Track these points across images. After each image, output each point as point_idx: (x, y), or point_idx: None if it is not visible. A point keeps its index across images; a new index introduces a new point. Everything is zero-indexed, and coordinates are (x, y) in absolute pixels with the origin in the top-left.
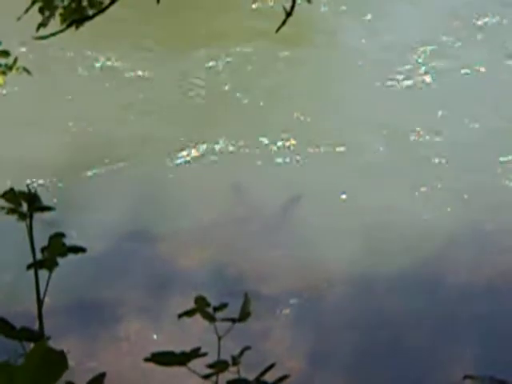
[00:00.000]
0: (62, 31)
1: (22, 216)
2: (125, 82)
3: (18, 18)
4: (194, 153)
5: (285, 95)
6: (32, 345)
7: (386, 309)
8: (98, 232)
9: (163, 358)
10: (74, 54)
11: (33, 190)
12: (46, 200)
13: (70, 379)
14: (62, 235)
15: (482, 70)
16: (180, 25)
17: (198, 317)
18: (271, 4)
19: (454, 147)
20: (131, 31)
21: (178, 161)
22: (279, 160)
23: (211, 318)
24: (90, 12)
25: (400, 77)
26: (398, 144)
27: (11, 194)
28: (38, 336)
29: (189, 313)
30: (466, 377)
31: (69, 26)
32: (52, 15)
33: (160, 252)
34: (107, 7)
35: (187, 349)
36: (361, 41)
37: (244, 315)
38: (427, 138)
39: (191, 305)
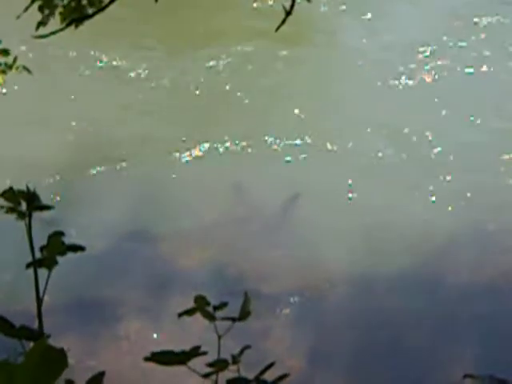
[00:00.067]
0: (61, 30)
1: (21, 215)
2: (125, 82)
3: (18, 17)
4: (194, 152)
5: (285, 95)
6: (31, 343)
7: (386, 309)
8: (97, 231)
9: (163, 357)
10: (73, 53)
11: (32, 189)
12: (45, 199)
13: (69, 377)
14: (61, 234)
15: (483, 69)
16: (179, 24)
17: (198, 316)
18: (271, 3)
19: (454, 147)
20: (130, 30)
21: (179, 160)
22: (279, 160)
23: (211, 317)
24: (90, 11)
25: (400, 76)
26: (398, 144)
27: (10, 193)
28: (37, 334)
29: (189, 312)
30: (465, 376)
31: (68, 24)
32: (52, 14)
33: (160, 251)
34: (107, 6)
35: (187, 348)
36: (361, 40)
37: (244, 314)
38: (427, 137)
39: (191, 304)
